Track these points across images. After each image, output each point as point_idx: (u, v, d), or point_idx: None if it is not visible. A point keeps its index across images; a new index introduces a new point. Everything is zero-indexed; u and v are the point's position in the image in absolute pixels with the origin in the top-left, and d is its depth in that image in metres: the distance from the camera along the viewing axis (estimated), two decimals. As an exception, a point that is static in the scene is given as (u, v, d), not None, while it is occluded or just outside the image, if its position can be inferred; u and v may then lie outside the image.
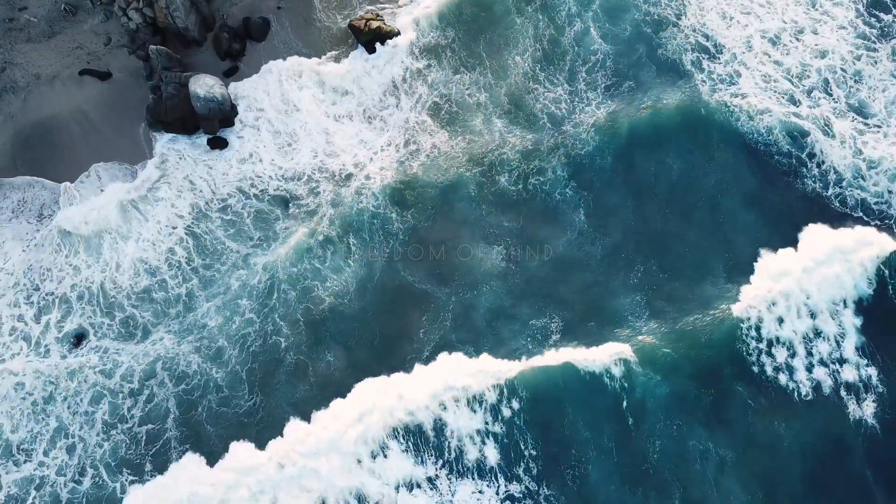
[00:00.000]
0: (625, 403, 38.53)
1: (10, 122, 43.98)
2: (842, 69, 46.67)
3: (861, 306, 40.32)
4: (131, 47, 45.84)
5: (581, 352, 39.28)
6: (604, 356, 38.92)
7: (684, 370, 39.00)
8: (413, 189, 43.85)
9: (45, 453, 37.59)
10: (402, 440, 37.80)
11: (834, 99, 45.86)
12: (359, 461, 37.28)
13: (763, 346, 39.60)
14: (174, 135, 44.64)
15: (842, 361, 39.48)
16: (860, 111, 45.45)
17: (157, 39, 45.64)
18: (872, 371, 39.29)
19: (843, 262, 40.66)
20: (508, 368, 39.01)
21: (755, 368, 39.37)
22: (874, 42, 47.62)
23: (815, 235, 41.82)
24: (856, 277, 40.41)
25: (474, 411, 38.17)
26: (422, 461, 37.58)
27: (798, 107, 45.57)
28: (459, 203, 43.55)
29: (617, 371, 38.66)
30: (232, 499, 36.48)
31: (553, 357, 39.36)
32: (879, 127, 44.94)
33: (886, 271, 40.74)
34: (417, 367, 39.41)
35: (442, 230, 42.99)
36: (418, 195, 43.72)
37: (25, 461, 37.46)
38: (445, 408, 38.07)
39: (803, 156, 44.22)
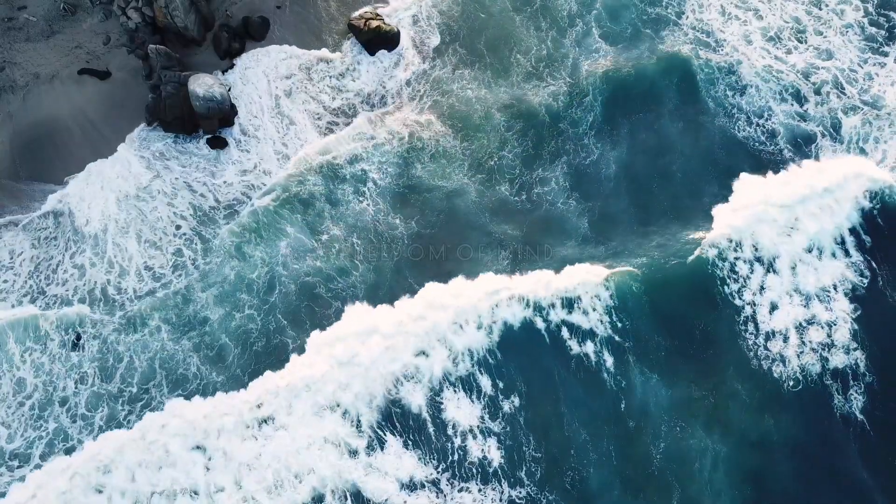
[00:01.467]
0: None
1: (9, 121, 43.83)
2: (850, 69, 46.76)
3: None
4: (130, 46, 45.72)
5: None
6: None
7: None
8: (416, 192, 43.86)
9: (42, 458, 37.51)
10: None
11: (847, 95, 46.25)
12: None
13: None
14: (153, 131, 44.84)
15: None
16: (869, 104, 45.93)
17: (156, 39, 45.51)
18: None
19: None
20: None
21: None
22: (882, 45, 47.69)
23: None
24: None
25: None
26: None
27: (804, 105, 45.72)
28: (462, 205, 43.67)
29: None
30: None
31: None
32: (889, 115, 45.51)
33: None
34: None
35: (444, 232, 42.95)
36: (422, 199, 43.71)
37: (20, 466, 37.39)
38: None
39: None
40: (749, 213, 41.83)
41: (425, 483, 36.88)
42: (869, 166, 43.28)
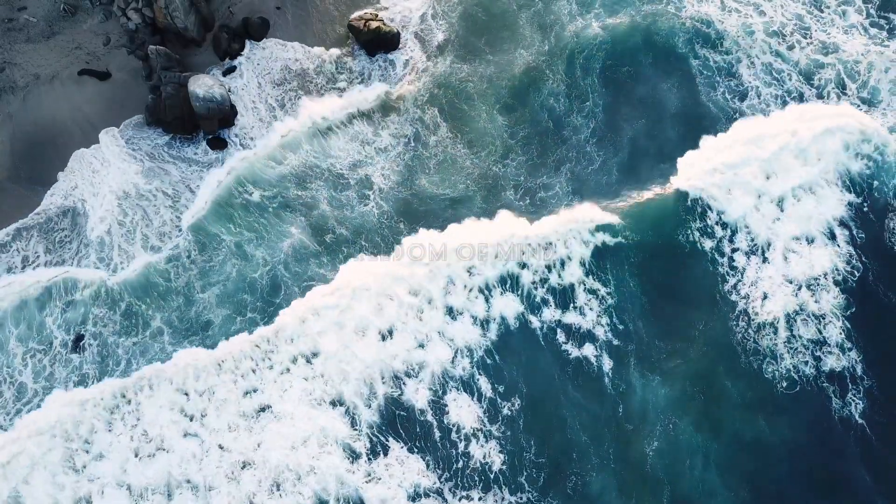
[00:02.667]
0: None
1: (9, 122, 43.81)
2: (855, 61, 46.88)
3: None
4: (130, 47, 45.67)
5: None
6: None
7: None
8: (420, 199, 43.82)
9: None
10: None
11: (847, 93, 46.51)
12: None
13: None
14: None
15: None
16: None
17: (156, 39, 45.50)
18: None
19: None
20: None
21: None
22: (883, 41, 47.68)
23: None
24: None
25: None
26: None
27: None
28: (465, 212, 43.70)
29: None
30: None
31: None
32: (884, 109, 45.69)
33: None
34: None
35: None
36: (425, 207, 43.69)
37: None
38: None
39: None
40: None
41: (430, 492, 37.03)
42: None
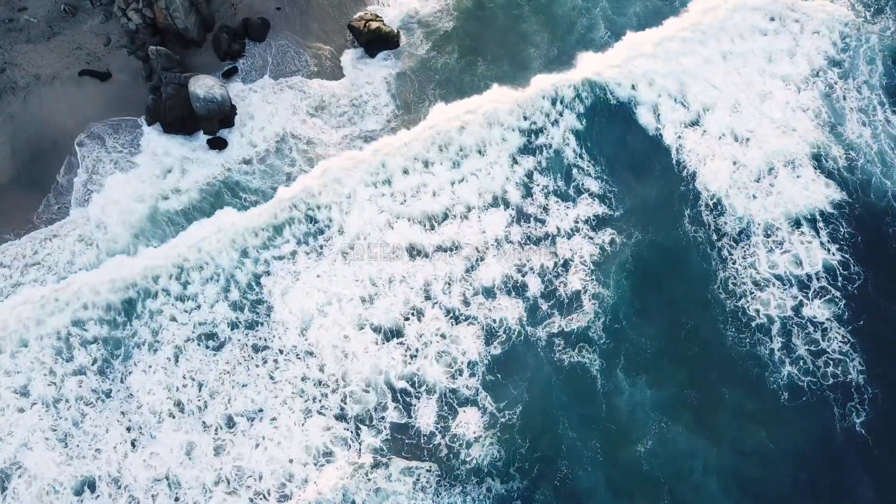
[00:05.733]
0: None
1: (9, 122, 43.95)
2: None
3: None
4: (131, 48, 45.80)
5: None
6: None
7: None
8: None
9: None
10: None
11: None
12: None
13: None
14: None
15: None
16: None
17: (156, 40, 45.63)
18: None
19: None
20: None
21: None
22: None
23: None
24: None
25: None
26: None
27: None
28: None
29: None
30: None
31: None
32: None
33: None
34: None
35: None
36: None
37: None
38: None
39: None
40: None
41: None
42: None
